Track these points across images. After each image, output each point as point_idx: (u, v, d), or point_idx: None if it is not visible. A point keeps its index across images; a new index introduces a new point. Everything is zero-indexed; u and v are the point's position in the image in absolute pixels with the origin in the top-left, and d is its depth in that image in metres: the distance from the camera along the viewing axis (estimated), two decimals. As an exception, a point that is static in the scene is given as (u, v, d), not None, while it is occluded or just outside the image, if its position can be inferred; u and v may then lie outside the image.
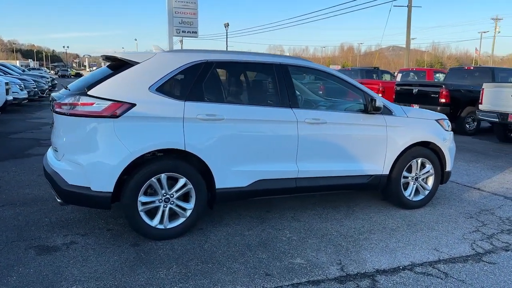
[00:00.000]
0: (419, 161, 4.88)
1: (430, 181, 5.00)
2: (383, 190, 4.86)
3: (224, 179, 3.93)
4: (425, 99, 11.58)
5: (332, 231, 4.13)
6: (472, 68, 13.35)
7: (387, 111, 4.64)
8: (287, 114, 4.14)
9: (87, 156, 3.53)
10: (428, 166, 4.95)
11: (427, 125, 4.89)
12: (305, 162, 4.27)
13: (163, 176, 3.70)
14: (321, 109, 4.29)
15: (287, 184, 4.21)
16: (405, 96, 12.28)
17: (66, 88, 3.94)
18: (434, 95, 11.36)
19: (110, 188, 3.55)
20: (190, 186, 3.81)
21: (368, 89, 4.64)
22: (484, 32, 66.78)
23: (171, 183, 3.76)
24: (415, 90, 11.97)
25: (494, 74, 12.01)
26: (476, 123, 11.60)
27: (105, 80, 3.63)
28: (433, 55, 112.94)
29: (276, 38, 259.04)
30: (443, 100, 11.16)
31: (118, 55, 3.85)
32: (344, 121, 4.43)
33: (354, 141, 4.48)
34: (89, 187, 3.52)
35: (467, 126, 11.66)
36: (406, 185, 4.89)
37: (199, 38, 46.85)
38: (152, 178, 3.65)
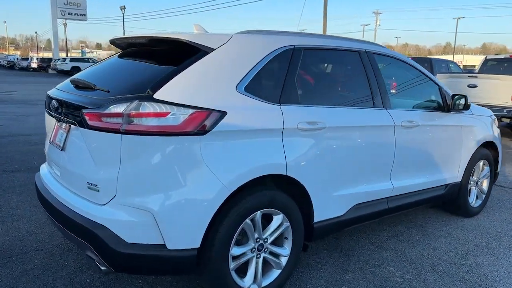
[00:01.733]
0: (481, 163, 4.37)
1: (485, 184, 4.54)
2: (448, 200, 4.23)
3: (323, 209, 2.89)
4: None
5: (434, 259, 3.36)
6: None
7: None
8: (384, 117, 3.23)
9: (161, 197, 2.20)
10: (486, 168, 4.47)
11: (488, 123, 4.38)
12: (398, 177, 3.41)
13: (258, 215, 2.53)
14: (406, 108, 3.47)
15: (380, 206, 3.31)
16: None
17: (91, 87, 2.47)
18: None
19: (197, 243, 2.29)
20: (287, 224, 2.69)
21: (441, 82, 3.93)
22: (366, 25, 72.42)
23: (263, 223, 2.60)
24: None
25: (432, 64, 12.52)
26: None
27: (174, 75, 2.30)
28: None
29: (177, 24, 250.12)
30: None
31: (183, 37, 2.50)
32: (431, 122, 3.66)
33: (438, 146, 3.75)
34: (164, 245, 2.21)
35: None
36: (469, 191, 4.34)
37: (88, 22, 42.46)
38: (247, 220, 2.46)
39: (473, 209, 4.35)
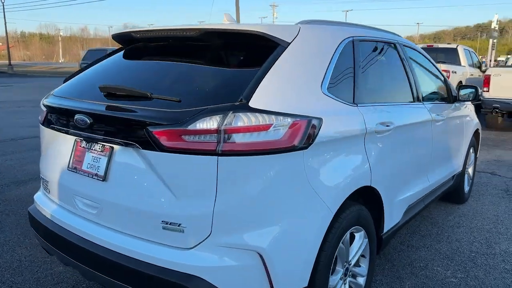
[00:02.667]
0: (471, 150, 4.50)
1: (471, 170, 4.71)
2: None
3: (390, 217, 2.65)
4: None
5: (466, 252, 3.35)
6: None
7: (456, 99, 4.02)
8: (425, 112, 3.10)
9: (269, 231, 1.75)
10: (473, 155, 4.64)
11: (473, 111, 4.52)
12: (431, 172, 3.32)
13: (347, 236, 2.19)
14: (431, 101, 3.36)
15: (419, 206, 3.18)
16: None
17: (146, 95, 1.87)
18: None
19: (305, 282, 1.88)
20: (366, 240, 2.40)
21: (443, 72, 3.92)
22: (264, 17, 73.87)
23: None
24: None
25: None
26: None
27: (261, 77, 1.82)
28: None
29: (48, 16, 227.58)
30: None
31: (257, 29, 1.99)
32: (450, 114, 3.63)
33: (453, 137, 3.75)
34: None
35: None
36: (463, 178, 4.46)
37: None
38: (340, 243, 2.11)
39: (465, 195, 4.48)
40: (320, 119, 1.89)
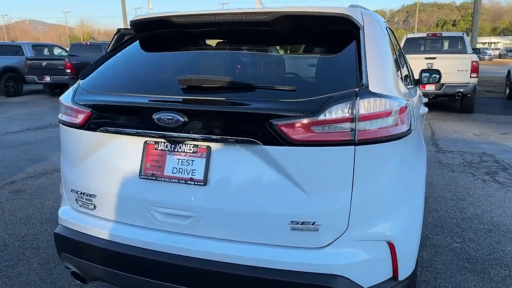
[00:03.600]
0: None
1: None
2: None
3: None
4: (55, 71, 13.24)
5: (448, 219, 3.73)
6: (88, 43, 15.98)
7: None
8: (417, 92, 3.32)
9: (398, 219, 1.73)
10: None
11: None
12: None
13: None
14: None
15: None
16: (38, 69, 13.50)
17: (251, 86, 1.66)
18: (61, 67, 13.09)
19: (414, 264, 1.91)
20: None
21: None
22: (138, 8, 70.66)
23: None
24: (44, 63, 13.37)
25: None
26: None
27: (361, 61, 1.76)
28: (83, 30, 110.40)
29: None
30: (68, 71, 13.04)
31: (344, 12, 1.90)
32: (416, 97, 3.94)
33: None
34: (394, 277, 1.76)
35: None
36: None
37: None
38: None
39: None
40: (408, 103, 1.91)
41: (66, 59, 13.52)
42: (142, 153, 1.79)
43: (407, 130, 1.72)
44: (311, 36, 2.05)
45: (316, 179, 1.59)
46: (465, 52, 9.96)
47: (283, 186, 1.60)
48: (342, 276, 1.59)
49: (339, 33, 1.94)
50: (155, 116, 1.68)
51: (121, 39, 4.24)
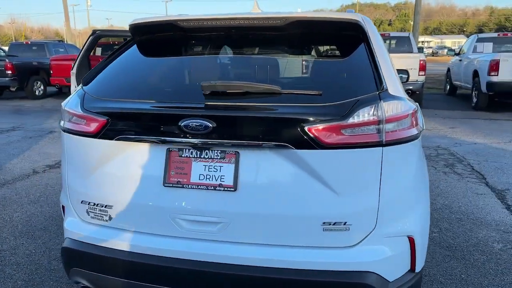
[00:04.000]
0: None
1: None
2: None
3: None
4: None
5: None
6: (30, 42, 15.51)
7: None
8: None
9: (418, 214, 1.83)
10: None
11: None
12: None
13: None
14: None
15: None
16: None
17: (277, 91, 1.68)
18: (1, 68, 12.36)
19: (425, 258, 2.02)
20: None
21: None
22: (76, 5, 67.48)
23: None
24: None
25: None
26: (43, 87, 13.22)
27: (374, 64, 1.84)
28: (14, 28, 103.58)
29: None
30: (9, 72, 12.37)
31: (353, 17, 1.95)
32: None
33: None
34: (412, 270, 1.86)
35: (36, 91, 13.16)
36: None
37: None
38: None
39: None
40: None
41: (7, 60, 12.69)
42: (166, 161, 1.75)
43: (420, 131, 1.82)
44: (323, 41, 2.11)
45: (347, 180, 1.64)
46: (411, 51, 10.54)
47: (314, 188, 1.64)
48: (373, 272, 1.66)
49: (350, 38, 2.01)
50: (182, 123, 1.66)
51: (97, 41, 4.08)
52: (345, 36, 2.03)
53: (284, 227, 1.67)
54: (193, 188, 1.71)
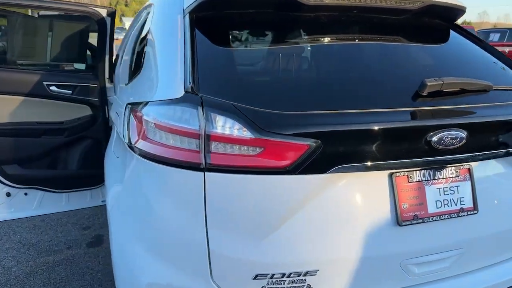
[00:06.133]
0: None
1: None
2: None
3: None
4: None
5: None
6: None
7: None
8: None
9: None
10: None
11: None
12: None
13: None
14: None
15: None
16: None
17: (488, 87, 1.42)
18: None
19: None
20: None
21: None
22: None
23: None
24: None
25: None
26: None
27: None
28: None
29: None
30: None
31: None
32: None
33: None
34: None
35: None
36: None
37: None
38: None
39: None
40: None
41: None
42: (392, 191, 1.30)
43: None
44: (447, 29, 1.90)
45: None
46: None
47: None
48: None
49: (457, 27, 1.90)
50: (434, 138, 1.24)
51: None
52: (455, 25, 1.92)
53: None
54: (431, 221, 1.33)
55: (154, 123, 1.32)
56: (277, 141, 1.20)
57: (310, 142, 1.20)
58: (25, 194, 2.72)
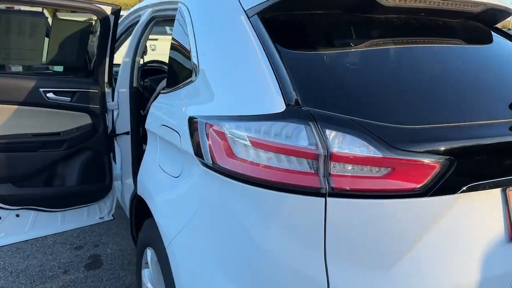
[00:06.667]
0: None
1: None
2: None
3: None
4: None
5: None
6: None
7: None
8: None
9: None
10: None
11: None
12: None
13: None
14: None
15: None
16: None
17: None
18: None
19: None
20: None
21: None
22: None
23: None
24: None
25: None
26: None
27: None
28: None
29: None
30: None
31: None
32: None
33: None
34: None
35: None
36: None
37: None
38: None
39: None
40: None
41: None
42: (506, 206, 1.23)
43: None
44: (489, 32, 1.86)
45: None
46: None
47: None
48: None
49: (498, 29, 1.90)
50: None
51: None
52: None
53: None
54: None
55: (251, 141, 1.15)
56: (409, 159, 1.08)
57: (443, 160, 1.10)
58: (17, 215, 2.37)
